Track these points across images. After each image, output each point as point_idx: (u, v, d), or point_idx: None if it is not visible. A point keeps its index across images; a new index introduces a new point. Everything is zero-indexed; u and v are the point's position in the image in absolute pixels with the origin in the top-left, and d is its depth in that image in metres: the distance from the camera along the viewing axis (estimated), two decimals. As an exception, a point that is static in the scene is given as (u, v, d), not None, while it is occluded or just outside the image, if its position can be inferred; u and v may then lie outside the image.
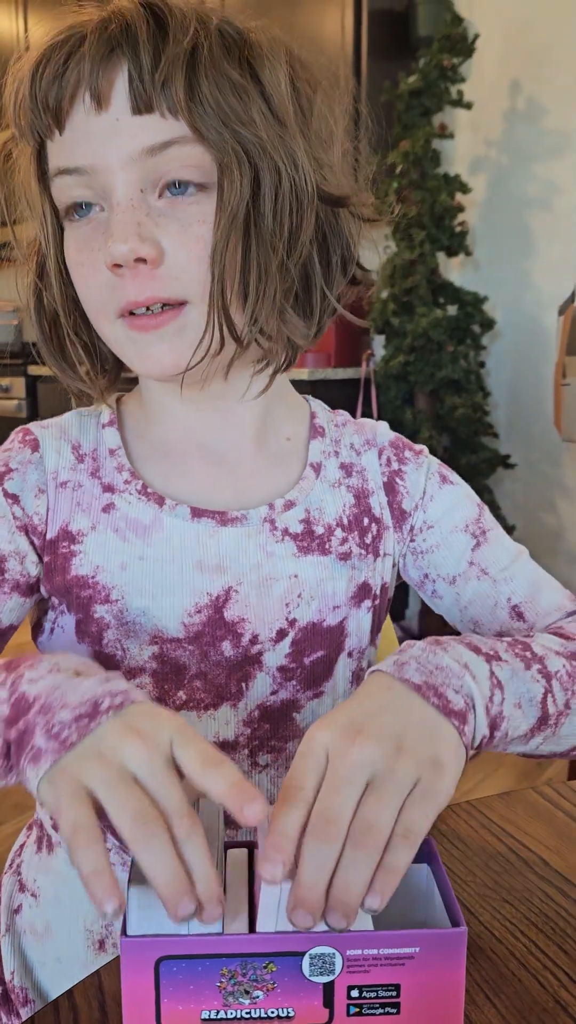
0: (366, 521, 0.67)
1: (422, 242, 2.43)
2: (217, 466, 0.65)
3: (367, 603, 0.67)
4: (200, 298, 0.56)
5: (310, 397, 0.73)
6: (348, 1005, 0.40)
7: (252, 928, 0.41)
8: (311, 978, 0.40)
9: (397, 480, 0.69)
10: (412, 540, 0.69)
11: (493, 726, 0.49)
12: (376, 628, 0.69)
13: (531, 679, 0.53)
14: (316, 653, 0.65)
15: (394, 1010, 0.40)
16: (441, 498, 0.70)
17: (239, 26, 0.56)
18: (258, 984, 0.39)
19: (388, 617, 0.81)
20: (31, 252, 0.62)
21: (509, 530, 2.57)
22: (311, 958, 0.39)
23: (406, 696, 0.46)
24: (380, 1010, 0.40)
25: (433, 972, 0.40)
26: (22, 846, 0.73)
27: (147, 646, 0.61)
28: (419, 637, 0.53)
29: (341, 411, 0.73)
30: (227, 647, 0.62)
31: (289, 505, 0.65)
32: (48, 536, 0.62)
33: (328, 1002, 0.40)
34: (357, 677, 0.68)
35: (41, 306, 0.62)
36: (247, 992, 0.39)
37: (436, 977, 0.40)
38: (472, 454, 2.54)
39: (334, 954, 0.39)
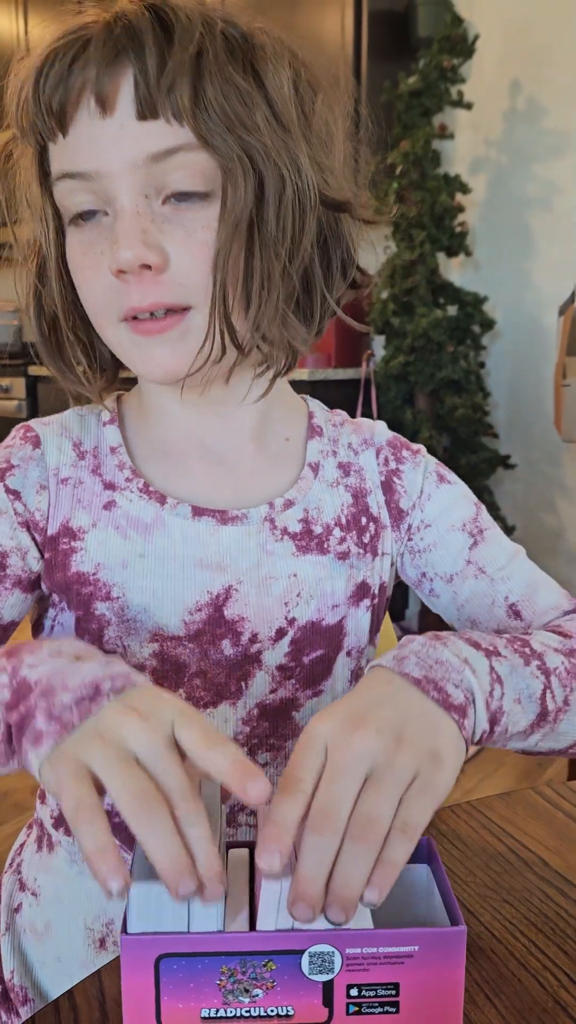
0: (364, 520, 0.67)
1: (422, 242, 2.43)
2: (217, 466, 0.65)
3: (366, 602, 0.67)
4: (204, 303, 0.56)
5: (307, 397, 0.73)
6: (347, 1004, 0.40)
7: (252, 927, 0.41)
8: (310, 976, 0.40)
9: (395, 479, 0.69)
10: (410, 539, 0.69)
11: (493, 721, 0.49)
12: (375, 627, 0.69)
13: (530, 675, 0.53)
14: (315, 652, 0.65)
15: (393, 1009, 0.40)
16: (439, 497, 0.70)
17: (243, 28, 0.55)
18: (258, 982, 0.39)
19: (388, 617, 0.82)
20: (31, 252, 0.62)
21: (509, 530, 2.57)
22: (310, 956, 0.39)
23: (406, 690, 0.46)
24: (379, 1009, 0.40)
25: (432, 971, 0.40)
26: (22, 845, 0.73)
27: (147, 643, 0.62)
28: (419, 636, 0.53)
29: (339, 411, 0.74)
30: (227, 645, 0.62)
31: (288, 504, 0.65)
32: (49, 532, 0.62)
33: (327, 1001, 0.40)
34: (356, 676, 0.68)
35: (40, 306, 0.62)
36: (247, 990, 0.39)
37: (435, 976, 0.40)
38: (472, 454, 2.54)
39: (333, 952, 0.39)
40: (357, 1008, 0.40)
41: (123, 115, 0.53)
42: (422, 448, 0.72)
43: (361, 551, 0.67)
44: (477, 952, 0.51)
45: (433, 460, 0.72)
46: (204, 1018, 0.40)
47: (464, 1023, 0.43)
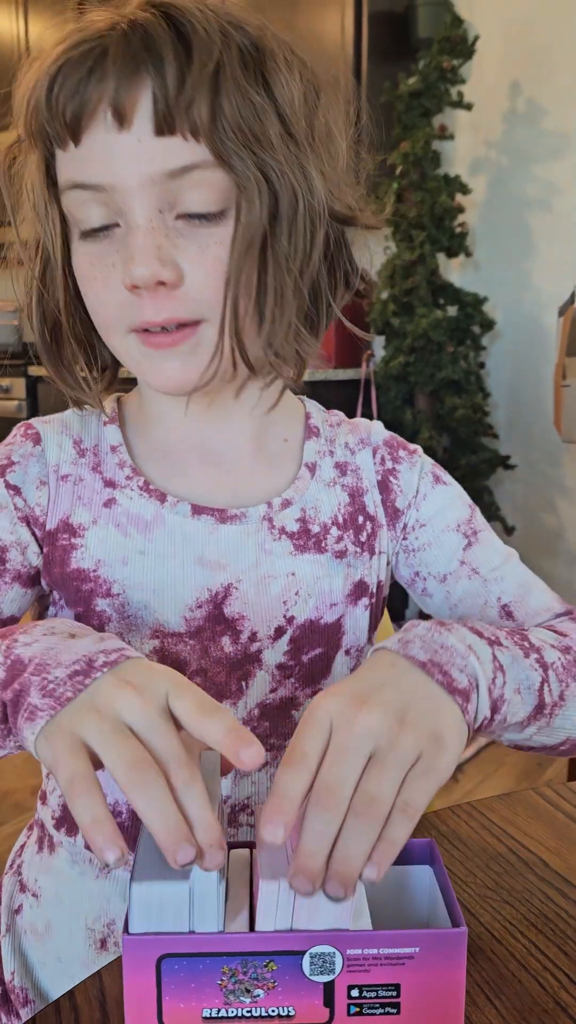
0: (361, 519, 0.68)
1: (422, 243, 2.44)
2: (216, 467, 0.66)
3: (364, 601, 0.68)
4: (216, 317, 0.56)
5: (304, 398, 0.73)
6: (348, 1004, 0.40)
7: (252, 927, 0.41)
8: (311, 977, 0.40)
9: (391, 478, 0.70)
10: (404, 538, 0.70)
11: (494, 708, 0.50)
12: (373, 626, 0.70)
13: (529, 667, 0.54)
14: (314, 650, 0.65)
15: (394, 1010, 0.40)
16: (434, 497, 0.70)
17: (252, 34, 0.55)
18: (259, 983, 0.39)
19: (388, 617, 0.82)
20: (34, 254, 0.61)
21: (509, 531, 2.57)
22: (311, 957, 0.39)
23: (411, 672, 0.46)
24: (380, 1010, 0.40)
25: (433, 972, 0.40)
26: (22, 846, 0.73)
27: (148, 640, 0.62)
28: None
29: (335, 411, 0.74)
30: (227, 643, 0.63)
31: (286, 504, 0.65)
32: (48, 527, 0.63)
33: (328, 1001, 0.40)
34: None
35: (43, 308, 0.62)
36: (248, 991, 0.39)
37: (436, 977, 0.40)
38: (472, 455, 2.54)
39: (334, 953, 0.39)
40: (358, 1009, 0.40)
41: (140, 130, 0.52)
42: (419, 449, 0.73)
43: (358, 550, 0.67)
44: (477, 953, 0.51)
45: (429, 461, 0.72)
46: (205, 1018, 0.40)
47: (465, 1024, 0.43)
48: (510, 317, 2.67)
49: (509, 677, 0.51)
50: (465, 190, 2.47)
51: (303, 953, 0.39)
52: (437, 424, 2.54)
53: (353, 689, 0.44)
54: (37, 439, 0.65)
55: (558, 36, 2.47)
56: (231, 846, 0.47)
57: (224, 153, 0.53)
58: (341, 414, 0.74)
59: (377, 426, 0.73)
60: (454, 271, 2.75)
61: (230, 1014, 0.40)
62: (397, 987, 0.40)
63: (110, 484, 0.64)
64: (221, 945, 0.39)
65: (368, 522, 0.68)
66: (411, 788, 0.41)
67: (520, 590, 0.68)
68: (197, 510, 0.63)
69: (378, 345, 2.80)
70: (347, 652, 0.67)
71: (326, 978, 0.40)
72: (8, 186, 0.60)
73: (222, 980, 0.39)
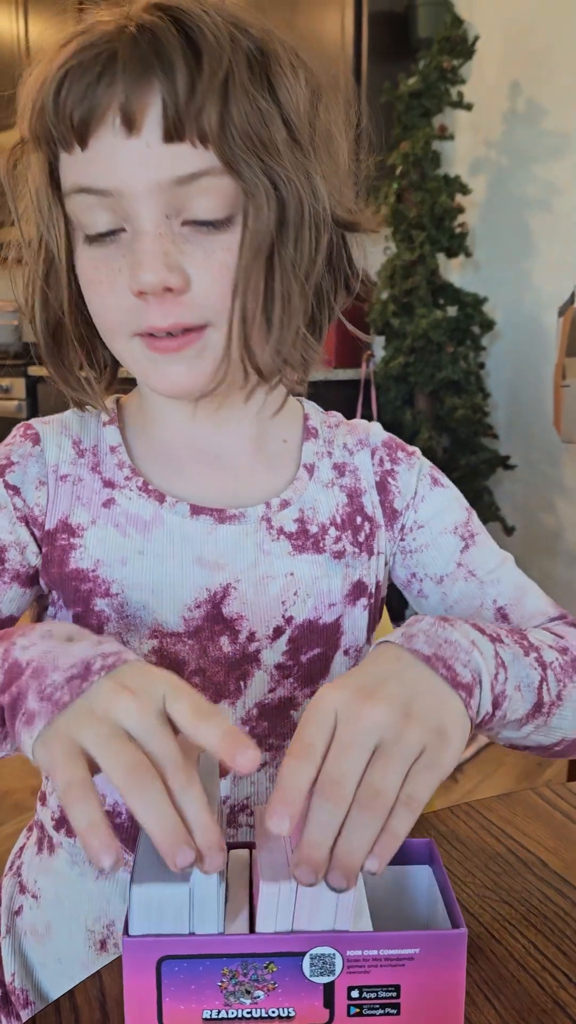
0: (359, 520, 0.68)
1: (422, 243, 2.44)
2: (216, 468, 0.66)
3: (362, 601, 0.68)
4: (221, 321, 0.56)
5: (303, 399, 0.74)
6: (348, 1005, 0.40)
7: (252, 928, 0.41)
8: (311, 978, 0.40)
9: (389, 479, 0.70)
10: (402, 539, 0.70)
11: (495, 704, 0.50)
12: (372, 626, 0.70)
13: (529, 665, 0.54)
14: (313, 650, 0.65)
15: (394, 1011, 0.40)
16: (432, 499, 0.70)
17: (257, 36, 0.54)
18: (259, 984, 0.39)
19: (387, 617, 0.82)
20: (37, 254, 0.61)
21: (509, 531, 2.57)
22: (311, 958, 0.40)
23: (415, 666, 0.47)
24: (380, 1011, 0.40)
25: (433, 973, 0.40)
26: (22, 848, 0.73)
27: (147, 640, 0.62)
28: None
29: (334, 412, 0.74)
30: (225, 643, 0.63)
31: (284, 505, 0.65)
32: (47, 527, 0.63)
33: (328, 1002, 0.40)
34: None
35: (46, 311, 0.62)
36: (248, 992, 0.40)
37: (436, 978, 0.40)
38: (472, 455, 2.54)
39: (334, 954, 0.40)
40: (358, 1010, 0.40)
41: (149, 136, 0.52)
42: (417, 450, 0.73)
43: (356, 550, 0.67)
44: (476, 952, 0.51)
45: (427, 463, 0.73)
46: (206, 1019, 0.40)
47: (464, 1024, 0.43)
48: (510, 317, 2.67)
49: (510, 674, 0.52)
50: (465, 190, 2.47)
51: (303, 954, 0.39)
52: (437, 424, 2.54)
53: (358, 682, 0.44)
54: (36, 439, 0.65)
55: (558, 36, 2.47)
56: (230, 847, 0.47)
57: (232, 161, 0.53)
58: (339, 415, 0.74)
59: (376, 427, 0.73)
60: (454, 271, 2.75)
61: (230, 1015, 0.40)
62: (397, 988, 0.40)
63: (109, 484, 0.64)
64: (221, 947, 0.39)
65: (366, 523, 0.68)
66: (414, 782, 0.41)
67: (516, 593, 0.69)
68: (196, 510, 0.63)
69: (378, 345, 2.80)
70: (346, 652, 0.67)
71: (326, 979, 0.40)
72: (11, 187, 0.60)
73: (222, 982, 0.39)
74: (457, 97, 2.46)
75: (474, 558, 0.69)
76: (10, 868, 0.73)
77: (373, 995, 0.40)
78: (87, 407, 0.66)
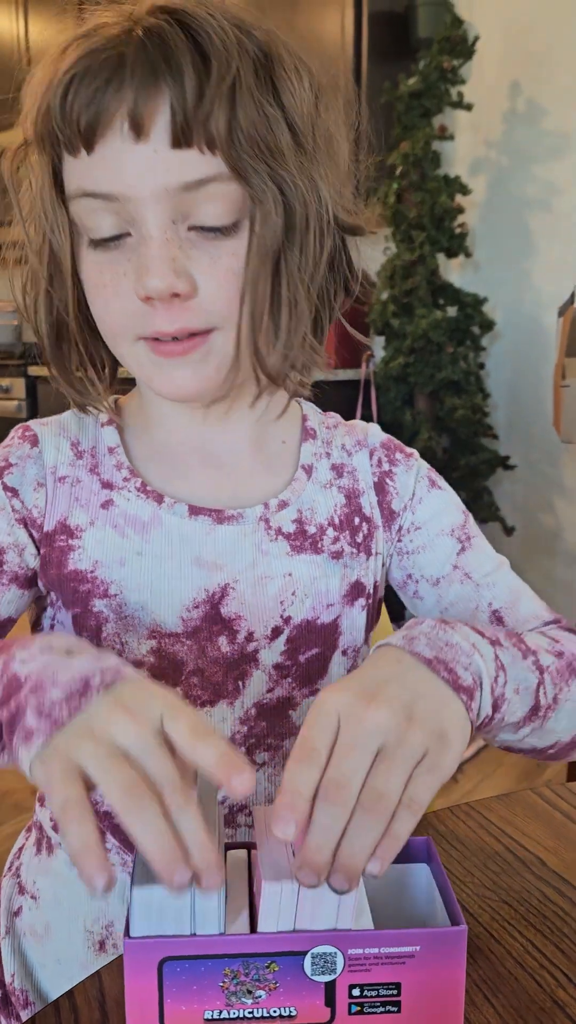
0: (357, 520, 0.68)
1: (422, 243, 2.44)
2: (215, 469, 0.66)
3: (360, 601, 0.68)
4: (226, 325, 0.56)
5: (301, 400, 0.74)
6: (350, 1004, 0.40)
7: (252, 928, 0.41)
8: (313, 977, 0.40)
9: (387, 481, 0.70)
10: (399, 540, 0.70)
11: (495, 707, 0.50)
12: (370, 626, 0.70)
13: (527, 668, 0.54)
14: (311, 651, 0.65)
15: (395, 1008, 0.41)
16: (429, 501, 0.71)
17: (261, 40, 0.54)
18: (260, 984, 0.40)
19: (387, 617, 0.82)
20: (41, 257, 0.60)
21: (508, 531, 2.57)
22: (313, 957, 0.40)
23: (416, 669, 0.47)
24: (381, 1008, 0.41)
25: (433, 971, 0.40)
26: (21, 848, 0.73)
27: (145, 640, 0.62)
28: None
29: (332, 413, 0.74)
30: (224, 643, 0.63)
31: (282, 505, 0.66)
32: (45, 529, 0.63)
33: (330, 1001, 0.40)
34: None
35: (49, 312, 0.61)
36: (250, 992, 0.40)
37: (436, 975, 0.40)
38: (472, 455, 2.54)
39: (335, 953, 0.40)
40: (359, 1008, 0.41)
41: (157, 141, 0.52)
42: (415, 452, 0.73)
43: (354, 551, 0.67)
44: (475, 951, 0.51)
45: (425, 465, 0.73)
46: (207, 1020, 0.40)
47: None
48: (510, 317, 2.68)
49: (509, 677, 0.52)
50: (465, 190, 2.47)
51: (304, 953, 0.40)
52: (437, 425, 2.54)
53: (360, 684, 0.44)
54: (35, 441, 0.65)
55: (558, 36, 2.47)
56: (230, 847, 0.47)
57: (240, 167, 0.53)
58: (338, 416, 0.74)
59: (374, 428, 0.73)
60: (454, 271, 2.75)
61: (232, 1015, 0.40)
62: (398, 986, 0.40)
63: (107, 485, 0.64)
64: (223, 947, 0.39)
65: (364, 523, 0.68)
66: (416, 784, 0.41)
67: (511, 596, 0.69)
68: (194, 511, 0.63)
69: (378, 346, 2.80)
70: (344, 652, 0.67)
71: (327, 978, 0.40)
72: (14, 188, 0.60)
73: (224, 982, 0.39)
74: (457, 97, 2.46)
75: (470, 561, 0.69)
76: (9, 869, 0.73)
77: (374, 993, 0.40)
78: (89, 408, 0.66)
